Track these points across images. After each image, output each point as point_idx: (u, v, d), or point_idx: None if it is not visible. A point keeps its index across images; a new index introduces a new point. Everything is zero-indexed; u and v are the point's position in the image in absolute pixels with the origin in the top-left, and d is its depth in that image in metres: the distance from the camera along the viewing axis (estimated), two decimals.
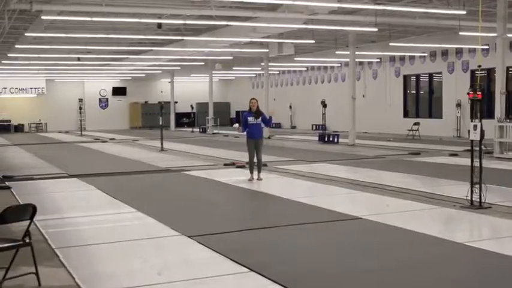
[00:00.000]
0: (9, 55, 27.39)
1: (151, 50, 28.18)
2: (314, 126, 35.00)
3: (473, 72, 25.10)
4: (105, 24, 20.75)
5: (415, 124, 26.77)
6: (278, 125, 39.53)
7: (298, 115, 39.37)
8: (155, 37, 23.54)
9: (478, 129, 9.27)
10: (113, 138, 30.82)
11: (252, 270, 6.02)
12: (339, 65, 34.63)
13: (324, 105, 24.78)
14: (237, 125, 13.74)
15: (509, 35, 17.78)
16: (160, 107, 23.00)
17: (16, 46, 24.44)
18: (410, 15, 18.99)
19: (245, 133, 13.13)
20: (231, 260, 6.41)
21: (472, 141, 9.45)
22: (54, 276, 5.97)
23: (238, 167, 15.66)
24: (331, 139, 24.48)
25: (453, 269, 6.13)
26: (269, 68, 32.81)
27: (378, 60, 31.47)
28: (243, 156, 15.13)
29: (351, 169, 15.14)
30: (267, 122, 13.60)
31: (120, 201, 10.54)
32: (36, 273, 5.38)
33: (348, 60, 25.68)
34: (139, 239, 7.63)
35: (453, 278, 5.82)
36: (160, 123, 22.80)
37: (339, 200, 10.68)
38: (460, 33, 20.04)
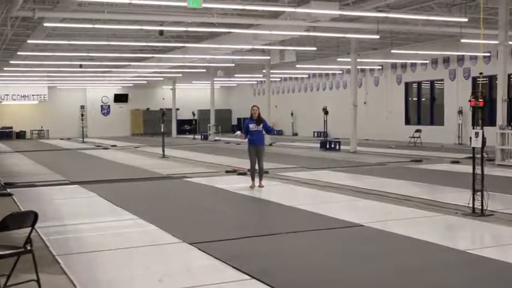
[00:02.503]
0: (11, 62, 27.47)
1: (153, 57, 28.26)
2: (316, 133, 35.01)
3: (474, 79, 25.11)
4: (107, 31, 20.82)
5: (416, 131, 26.77)
6: (280, 132, 39.56)
7: (299, 122, 39.39)
8: (157, 44, 23.61)
9: (480, 137, 9.26)
10: (115, 145, 30.84)
11: (253, 277, 6.00)
12: (341, 72, 34.67)
13: (326, 112, 24.78)
14: (238, 132, 13.71)
15: (510, 43, 17.78)
16: (161, 114, 23.00)
17: (18, 53, 24.53)
18: (412, 23, 19.03)
19: (247, 140, 13.14)
20: (233, 267, 6.40)
21: (473, 148, 9.44)
22: (55, 283, 5.96)
23: (239, 174, 15.65)
24: (332, 146, 24.47)
25: (455, 277, 6.11)
26: (271, 75, 32.84)
27: (380, 67, 31.50)
28: (245, 163, 15.12)
29: (353, 176, 15.12)
30: (269, 129, 13.70)
31: (122, 208, 10.53)
32: (38, 281, 5.37)
33: (349, 67, 25.69)
34: (141, 246, 7.61)
35: (455, 286, 5.81)
36: (162, 130, 22.79)
37: (341, 207, 10.65)
38: (462, 40, 20.08)
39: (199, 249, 7.25)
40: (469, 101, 9.46)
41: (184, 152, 24.85)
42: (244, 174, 15.16)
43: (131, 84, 44.17)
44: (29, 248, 5.33)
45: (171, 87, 41.80)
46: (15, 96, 41.67)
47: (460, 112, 25.89)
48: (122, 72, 35.11)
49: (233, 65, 31.52)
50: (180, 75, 37.93)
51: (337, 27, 19.03)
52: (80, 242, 8.00)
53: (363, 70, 31.98)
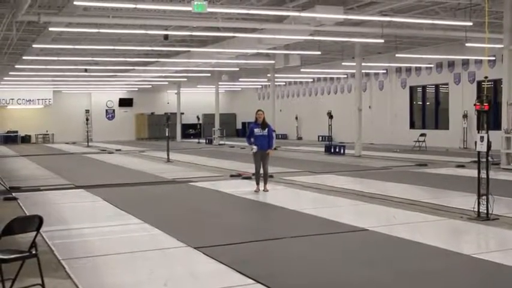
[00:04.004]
0: (16, 66, 27.57)
1: (158, 61, 28.33)
2: (320, 137, 34.98)
3: (479, 83, 25.03)
4: (112, 36, 20.90)
5: (421, 135, 26.69)
6: (284, 136, 39.57)
7: (304, 126, 39.37)
8: (162, 48, 23.65)
9: (485, 141, 9.25)
10: (119, 149, 30.88)
11: (257, 281, 5.99)
12: (345, 76, 34.65)
13: (330, 117, 24.79)
14: (255, 148, 13.25)
15: None
16: (166, 118, 23.06)
17: (24, 57, 24.61)
18: (417, 27, 19.02)
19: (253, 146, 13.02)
20: (237, 271, 6.39)
21: (478, 152, 9.42)
22: (60, 287, 5.97)
23: (244, 178, 15.65)
24: (337, 150, 24.46)
25: (460, 281, 6.09)
26: (275, 79, 32.87)
27: (384, 71, 31.47)
28: (249, 168, 15.12)
29: (357, 180, 15.11)
30: (270, 140, 13.18)
31: (127, 212, 10.54)
32: (42, 285, 5.38)
33: (354, 71, 25.71)
34: (146, 250, 7.62)
35: None
36: (167, 134, 22.84)
37: (345, 212, 10.65)
38: (467, 44, 20.03)
39: (204, 253, 7.25)
40: (474, 105, 9.44)
41: (189, 156, 24.86)
42: (249, 178, 15.15)
43: (136, 89, 44.26)
44: (34, 252, 5.34)
45: (175, 91, 41.85)
46: (21, 101, 41.82)
47: (465, 116, 25.83)
48: (127, 76, 35.18)
49: (238, 69, 31.55)
50: (185, 79, 37.99)
51: (342, 32, 19.03)
52: (85, 246, 8.01)
53: (367, 74, 31.96)
